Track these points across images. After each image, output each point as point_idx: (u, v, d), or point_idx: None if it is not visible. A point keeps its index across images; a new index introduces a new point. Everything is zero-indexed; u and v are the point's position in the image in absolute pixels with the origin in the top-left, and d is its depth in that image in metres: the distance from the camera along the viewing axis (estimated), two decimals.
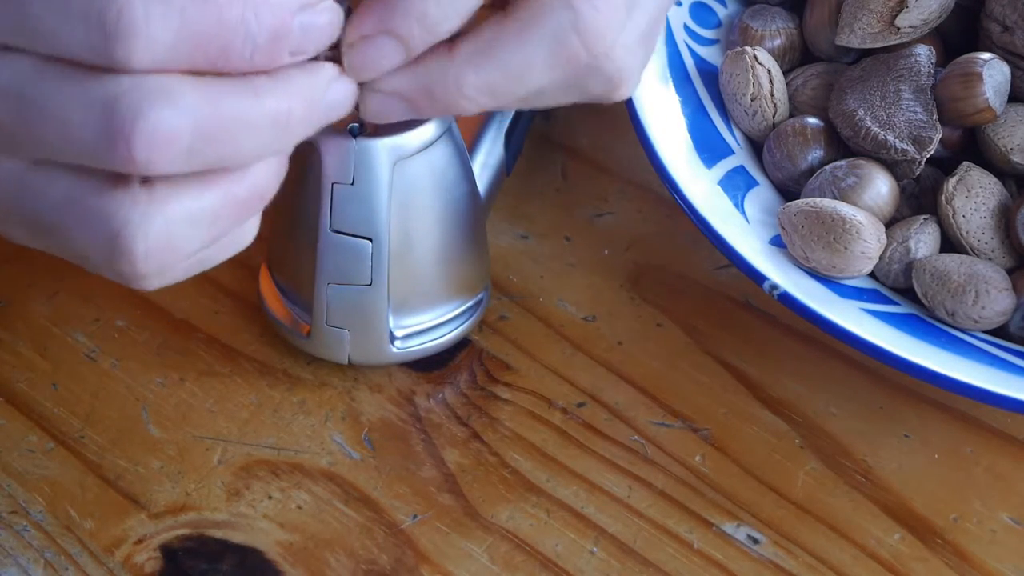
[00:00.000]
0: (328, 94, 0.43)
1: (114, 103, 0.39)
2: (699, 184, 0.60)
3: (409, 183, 0.55)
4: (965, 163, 0.60)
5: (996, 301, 0.57)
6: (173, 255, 0.41)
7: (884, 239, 0.59)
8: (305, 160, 0.55)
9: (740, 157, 0.63)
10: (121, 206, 0.40)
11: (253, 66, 0.41)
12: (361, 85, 0.46)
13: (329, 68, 0.43)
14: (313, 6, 0.42)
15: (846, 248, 0.58)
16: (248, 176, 0.42)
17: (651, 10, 0.48)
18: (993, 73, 0.60)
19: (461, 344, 0.60)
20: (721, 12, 0.68)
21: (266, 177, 0.43)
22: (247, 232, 0.44)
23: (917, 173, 0.60)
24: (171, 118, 0.39)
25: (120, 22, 0.38)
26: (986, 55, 0.60)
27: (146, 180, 0.40)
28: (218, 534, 0.55)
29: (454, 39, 0.45)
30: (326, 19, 0.42)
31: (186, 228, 0.41)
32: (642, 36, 0.48)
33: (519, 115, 0.64)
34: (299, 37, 0.41)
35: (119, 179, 0.40)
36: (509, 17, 0.45)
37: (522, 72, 0.46)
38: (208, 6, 0.39)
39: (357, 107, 0.46)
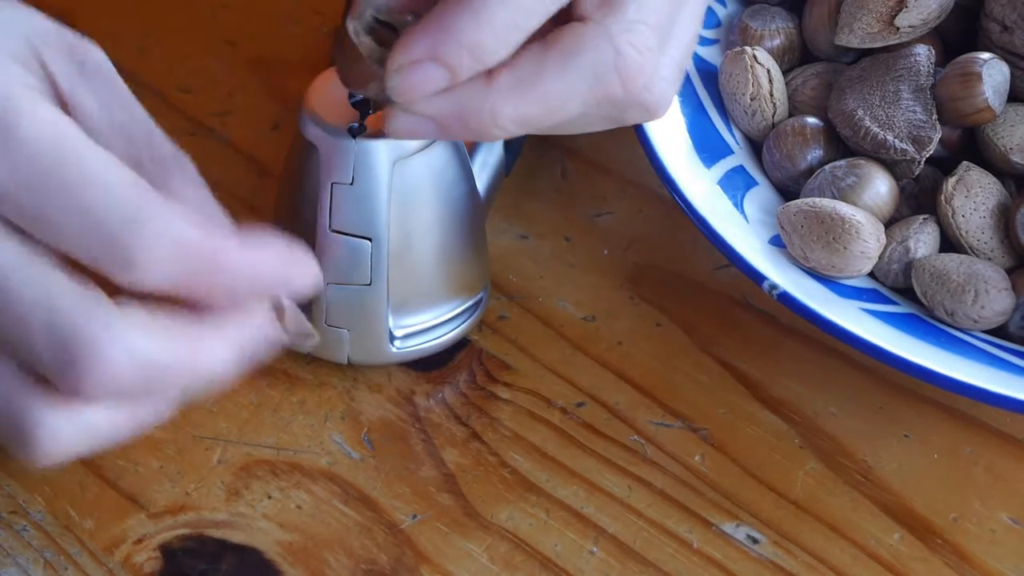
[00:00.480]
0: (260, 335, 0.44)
1: (75, 338, 0.40)
2: (699, 184, 0.60)
3: (409, 183, 0.55)
4: (964, 163, 0.60)
5: (995, 301, 0.57)
6: (68, 454, 0.43)
7: (883, 239, 0.59)
8: (305, 160, 0.55)
9: (739, 157, 0.63)
10: (38, 407, 0.42)
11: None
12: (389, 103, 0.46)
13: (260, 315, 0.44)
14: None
15: (845, 248, 0.58)
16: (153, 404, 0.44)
17: (686, 40, 0.48)
18: (992, 73, 0.60)
19: (461, 344, 0.60)
20: (721, 12, 0.68)
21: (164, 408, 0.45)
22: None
23: (916, 173, 0.60)
24: (121, 364, 0.41)
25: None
26: (985, 55, 0.60)
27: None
28: (217, 534, 0.55)
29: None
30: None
31: (87, 435, 0.43)
32: (678, 66, 0.48)
33: None
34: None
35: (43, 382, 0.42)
36: (550, 49, 0.45)
37: (560, 106, 0.46)
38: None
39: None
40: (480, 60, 0.44)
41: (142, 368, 0.41)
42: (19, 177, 0.40)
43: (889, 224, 0.60)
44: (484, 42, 0.44)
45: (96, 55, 0.43)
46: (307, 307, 0.58)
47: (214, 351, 0.43)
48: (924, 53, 0.61)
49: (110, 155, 0.41)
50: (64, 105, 0.43)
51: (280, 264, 0.43)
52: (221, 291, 0.42)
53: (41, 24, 0.43)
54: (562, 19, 0.46)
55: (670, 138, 0.62)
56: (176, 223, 0.41)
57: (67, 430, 0.42)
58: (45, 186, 0.40)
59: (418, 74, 0.44)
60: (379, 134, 0.55)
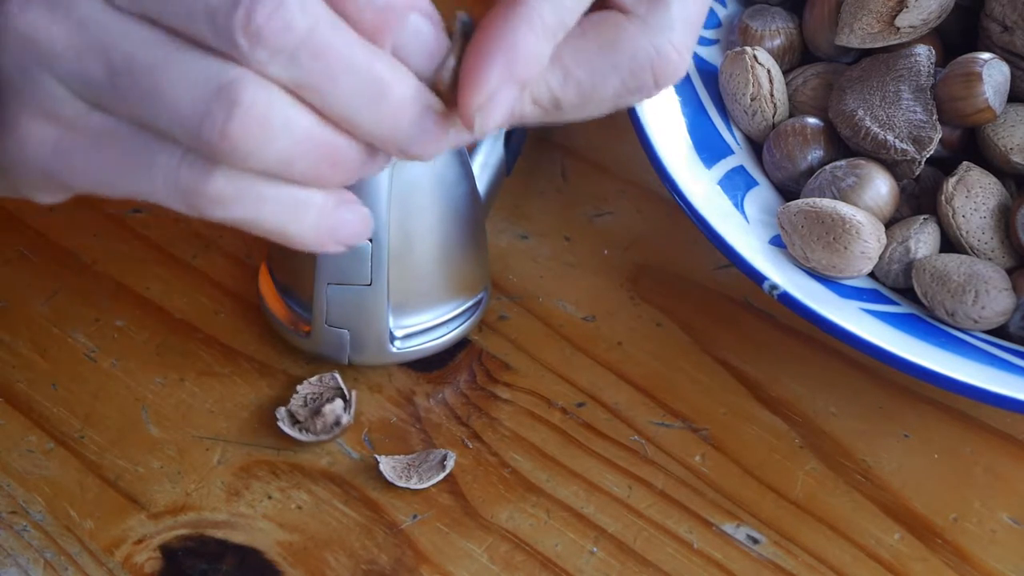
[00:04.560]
0: (418, 124, 0.43)
1: (220, 79, 0.40)
2: (699, 184, 0.60)
3: (409, 183, 0.55)
4: (965, 163, 0.60)
5: (996, 301, 0.57)
6: (263, 135, 0.41)
7: (884, 239, 0.59)
8: None
9: (740, 157, 0.63)
10: (232, 66, 0.41)
11: (359, 20, 0.41)
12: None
13: (434, 104, 0.43)
14: (427, 15, 0.42)
15: (846, 248, 0.58)
16: (338, 137, 0.42)
17: (702, 20, 0.48)
18: (993, 73, 0.60)
19: (461, 344, 0.60)
20: (721, 12, 0.68)
21: (349, 155, 0.43)
22: (297, 223, 0.44)
23: (917, 173, 0.60)
24: (294, 7, 0.40)
25: None
26: (986, 55, 0.60)
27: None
28: (218, 534, 0.55)
29: None
30: (430, 35, 0.42)
31: (282, 119, 0.41)
32: (693, 44, 0.48)
33: None
34: (405, 32, 0.42)
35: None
36: (588, 39, 0.45)
37: (592, 93, 0.45)
38: None
39: None
40: (541, 64, 0.44)
41: (311, 26, 0.40)
42: None
43: (889, 224, 0.60)
44: (543, 47, 0.43)
45: None
46: (307, 308, 0.58)
47: (384, 65, 0.41)
48: (924, 53, 0.61)
49: None
50: None
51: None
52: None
53: None
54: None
55: (670, 138, 0.62)
56: None
57: (265, 93, 0.41)
58: None
59: (499, 103, 0.43)
60: None
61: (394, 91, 0.42)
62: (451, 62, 0.42)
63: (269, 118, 0.41)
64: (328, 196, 0.44)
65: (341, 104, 0.41)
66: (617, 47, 0.45)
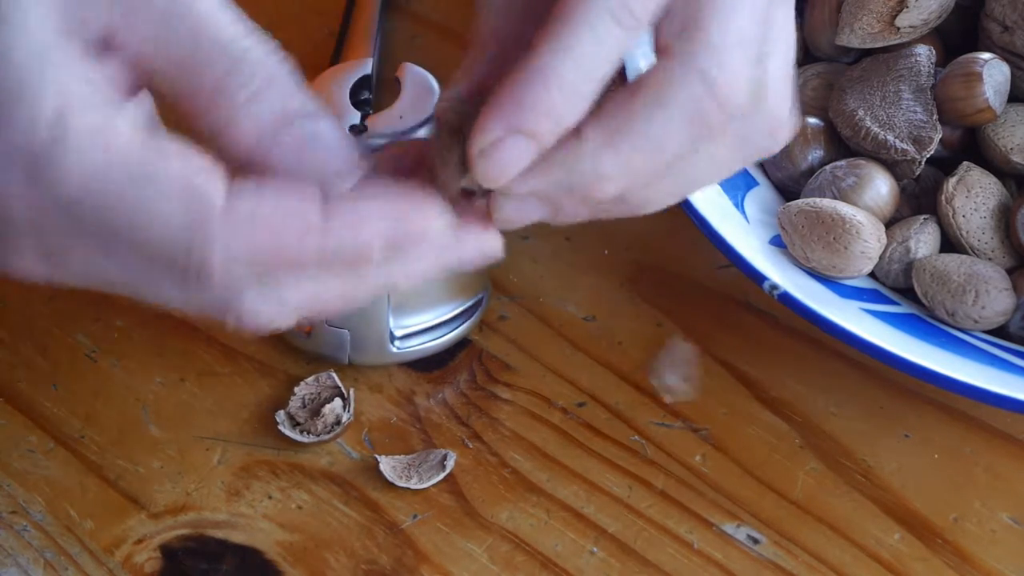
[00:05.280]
0: (449, 255, 0.44)
1: (225, 304, 0.43)
2: None
3: None
4: (965, 163, 0.60)
5: (996, 301, 0.57)
6: (276, 322, 0.44)
7: (884, 239, 0.59)
8: None
9: None
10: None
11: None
12: (491, 192, 0.44)
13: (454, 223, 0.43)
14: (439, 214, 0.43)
15: (846, 248, 0.58)
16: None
17: (785, 46, 0.45)
18: (993, 73, 0.60)
19: (461, 344, 0.60)
20: None
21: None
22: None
23: (917, 173, 0.60)
24: (269, 311, 0.42)
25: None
26: (986, 55, 0.60)
27: None
28: (218, 534, 0.55)
29: (578, 125, 0.43)
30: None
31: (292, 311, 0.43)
32: (784, 76, 0.45)
33: None
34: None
35: None
36: (636, 94, 0.43)
37: (660, 144, 0.43)
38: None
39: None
40: (560, 121, 0.42)
41: (295, 309, 0.42)
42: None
43: (890, 224, 0.60)
44: (559, 103, 0.42)
45: None
46: None
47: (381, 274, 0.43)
48: (925, 53, 0.61)
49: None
50: None
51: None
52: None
53: None
54: None
55: None
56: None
57: (265, 305, 0.43)
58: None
59: (503, 152, 0.42)
60: (379, 133, 0.55)
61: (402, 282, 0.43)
62: (455, 158, 0.42)
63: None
64: None
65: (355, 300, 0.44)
66: (665, 92, 0.43)
